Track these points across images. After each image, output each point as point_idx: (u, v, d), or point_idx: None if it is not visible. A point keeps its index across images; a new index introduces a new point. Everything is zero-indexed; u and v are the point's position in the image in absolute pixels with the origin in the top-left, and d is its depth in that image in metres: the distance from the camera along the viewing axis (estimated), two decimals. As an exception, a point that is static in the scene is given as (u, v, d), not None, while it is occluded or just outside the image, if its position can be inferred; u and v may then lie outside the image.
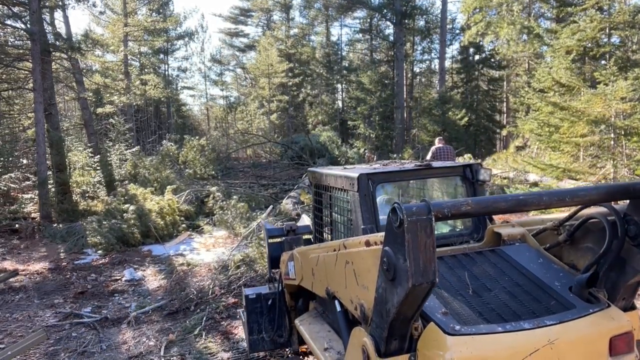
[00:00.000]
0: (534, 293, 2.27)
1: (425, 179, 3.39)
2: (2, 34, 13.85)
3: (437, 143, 11.53)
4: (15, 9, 12.92)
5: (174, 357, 4.89)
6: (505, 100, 30.97)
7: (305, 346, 4.12)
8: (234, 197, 12.43)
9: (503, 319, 2.10)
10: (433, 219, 1.71)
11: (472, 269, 2.45)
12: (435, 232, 2.12)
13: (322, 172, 3.58)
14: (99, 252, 9.36)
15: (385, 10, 27.78)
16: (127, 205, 10.78)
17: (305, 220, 5.18)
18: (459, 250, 2.69)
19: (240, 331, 5.41)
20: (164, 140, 20.45)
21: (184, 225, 11.15)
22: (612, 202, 2.21)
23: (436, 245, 2.27)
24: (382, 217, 2.90)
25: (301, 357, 4.31)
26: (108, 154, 16.45)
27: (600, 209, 2.29)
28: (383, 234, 1.88)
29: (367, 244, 2.10)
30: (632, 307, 2.28)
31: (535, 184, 11.22)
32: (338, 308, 2.67)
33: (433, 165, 3.19)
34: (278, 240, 4.23)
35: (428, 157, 11.32)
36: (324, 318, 3.55)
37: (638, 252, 2.11)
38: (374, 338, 2.04)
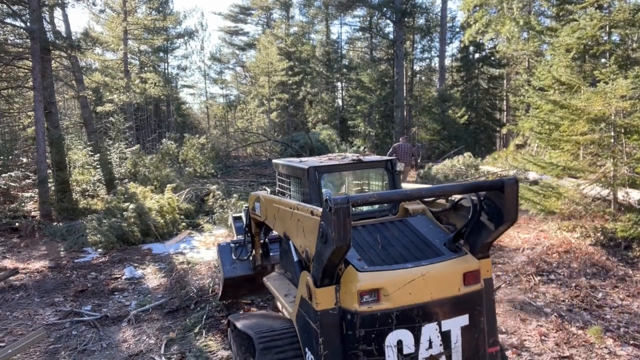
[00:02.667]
0: (420, 247, 3.41)
1: (359, 169, 4.44)
2: (1, 32, 13.83)
3: (401, 141, 14.03)
4: (15, 7, 12.90)
5: (174, 355, 4.90)
6: (505, 98, 30.93)
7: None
8: (234, 195, 12.42)
9: (396, 262, 3.22)
10: (350, 206, 2.63)
11: (384, 233, 3.59)
12: (364, 209, 3.75)
13: (284, 164, 4.61)
14: (99, 250, 9.37)
15: (385, 9, 27.73)
16: (127, 204, 10.78)
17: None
18: (379, 221, 3.84)
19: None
20: (164, 139, 20.43)
21: (184, 224, 11.16)
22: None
23: (363, 218, 3.76)
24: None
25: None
26: (108, 153, 16.44)
27: None
28: (322, 209, 2.76)
29: (312, 213, 3.04)
30: (486, 257, 3.40)
31: (535, 182, 11.22)
32: (295, 258, 3.76)
33: (363, 160, 4.31)
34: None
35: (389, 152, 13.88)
36: (286, 276, 4.66)
37: (490, 223, 3.22)
38: (314, 277, 3.05)
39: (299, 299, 3.41)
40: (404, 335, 3.01)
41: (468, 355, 3.19)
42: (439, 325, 3.08)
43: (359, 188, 4.60)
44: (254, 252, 5.31)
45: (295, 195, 4.35)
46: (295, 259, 3.78)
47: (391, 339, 3.00)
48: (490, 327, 3.36)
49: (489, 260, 3.43)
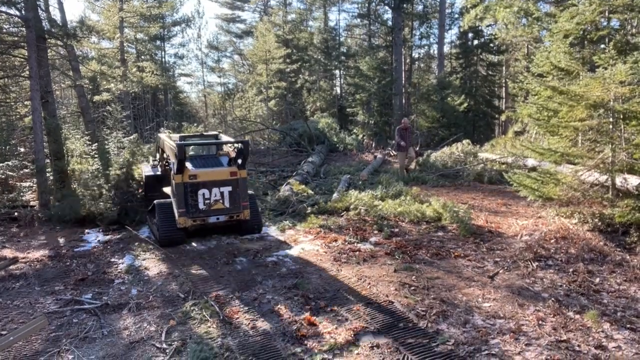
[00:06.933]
0: (217, 164, 8.59)
1: (205, 138, 10.40)
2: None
3: (404, 123, 15.40)
4: (9, -5, 12.72)
5: (175, 342, 4.93)
6: (504, 85, 30.82)
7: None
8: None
9: (206, 167, 8.29)
10: (184, 147, 7.89)
11: (207, 160, 8.69)
12: (199, 154, 9.58)
13: (163, 137, 9.99)
14: (101, 229, 9.43)
15: (383, -5, 27.45)
16: (125, 193, 10.74)
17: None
18: (207, 156, 8.94)
19: (241, 316, 5.46)
20: (162, 128, 20.35)
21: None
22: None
23: (202, 156, 9.13)
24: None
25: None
26: (105, 142, 16.36)
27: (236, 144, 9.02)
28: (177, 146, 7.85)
29: (176, 147, 7.80)
30: (243, 168, 8.40)
31: (534, 169, 11.23)
32: (171, 167, 8.62)
33: (204, 134, 10.86)
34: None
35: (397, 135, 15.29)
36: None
37: (241, 155, 8.45)
38: (175, 172, 8.01)
39: (172, 182, 8.29)
40: (205, 191, 7.90)
41: (231, 201, 8.09)
42: (219, 189, 7.99)
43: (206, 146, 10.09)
44: (160, 164, 10.55)
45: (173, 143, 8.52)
46: (171, 167, 8.43)
47: (200, 192, 7.87)
48: (242, 195, 8.18)
49: (244, 170, 8.28)
